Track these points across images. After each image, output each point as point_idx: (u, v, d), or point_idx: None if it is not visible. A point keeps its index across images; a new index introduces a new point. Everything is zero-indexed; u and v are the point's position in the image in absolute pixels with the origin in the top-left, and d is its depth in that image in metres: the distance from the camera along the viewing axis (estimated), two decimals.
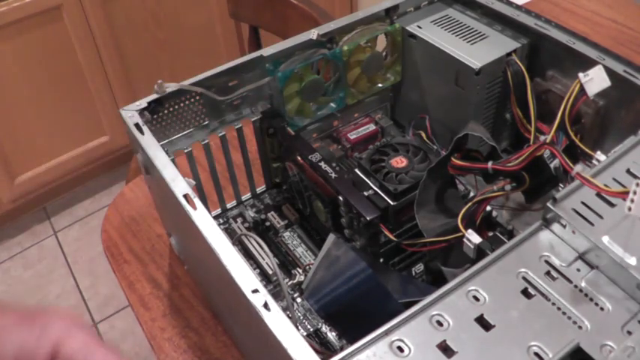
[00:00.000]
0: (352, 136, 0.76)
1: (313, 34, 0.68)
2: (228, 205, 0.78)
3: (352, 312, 0.58)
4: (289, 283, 0.67)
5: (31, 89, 1.64)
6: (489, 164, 0.56)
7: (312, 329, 0.64)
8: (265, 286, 0.64)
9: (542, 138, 0.60)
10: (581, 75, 0.57)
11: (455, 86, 0.69)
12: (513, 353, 0.40)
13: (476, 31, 0.70)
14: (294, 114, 0.71)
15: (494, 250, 0.46)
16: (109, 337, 1.60)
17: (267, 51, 0.66)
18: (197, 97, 0.65)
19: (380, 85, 0.76)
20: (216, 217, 0.76)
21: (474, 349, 0.40)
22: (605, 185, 0.45)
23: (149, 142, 0.57)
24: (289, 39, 0.68)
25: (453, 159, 0.58)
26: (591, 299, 0.43)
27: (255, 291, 0.43)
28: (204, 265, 0.59)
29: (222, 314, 0.66)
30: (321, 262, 0.62)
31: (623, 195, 0.42)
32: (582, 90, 0.58)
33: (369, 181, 0.63)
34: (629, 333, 0.40)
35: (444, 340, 0.40)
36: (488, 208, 0.59)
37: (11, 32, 1.52)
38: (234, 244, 0.48)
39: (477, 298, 0.43)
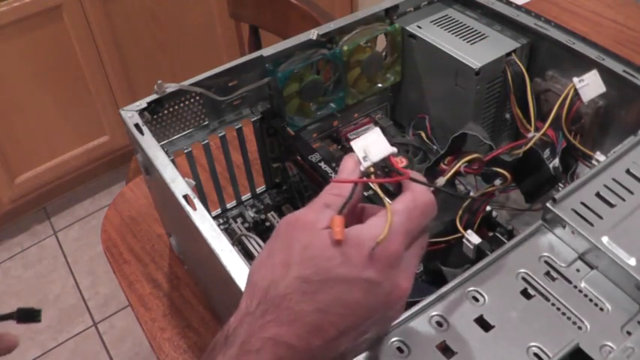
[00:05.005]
0: (352, 136, 0.76)
1: (313, 34, 0.68)
2: (228, 205, 0.78)
3: None
4: None
5: (31, 89, 1.64)
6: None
7: None
8: None
9: (529, 135, 0.60)
10: (575, 80, 0.57)
11: (455, 86, 0.69)
12: (513, 353, 0.40)
13: (476, 31, 0.70)
14: (294, 114, 0.71)
15: (494, 250, 0.46)
16: (109, 337, 1.60)
17: (267, 51, 0.66)
18: (197, 98, 0.65)
19: (380, 85, 0.76)
20: (216, 217, 0.76)
21: (473, 350, 0.40)
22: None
23: (149, 143, 0.57)
24: (289, 39, 0.68)
25: (441, 165, 0.58)
26: (591, 300, 0.43)
27: None
28: (204, 265, 0.59)
29: (222, 314, 0.66)
30: None
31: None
32: (577, 94, 0.58)
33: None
34: (629, 333, 0.40)
35: (444, 341, 0.40)
36: (488, 208, 0.59)
37: (11, 32, 1.52)
38: (234, 244, 0.48)
39: (476, 299, 0.43)
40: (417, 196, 0.37)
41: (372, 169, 0.39)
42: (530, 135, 0.60)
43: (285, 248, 0.35)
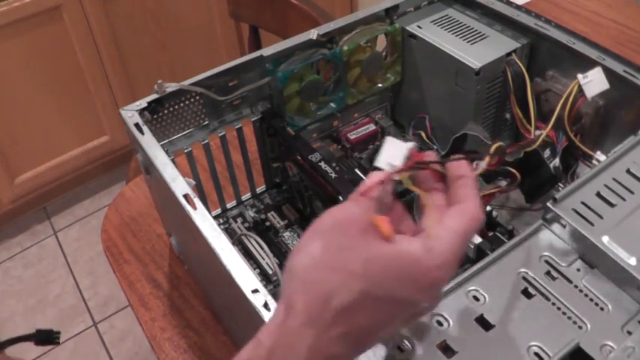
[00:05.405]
0: (352, 136, 0.76)
1: (313, 34, 0.68)
2: (228, 205, 0.78)
3: None
4: None
5: (31, 89, 1.63)
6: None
7: None
8: (265, 286, 0.64)
9: (537, 133, 0.60)
10: (580, 76, 0.58)
11: (455, 86, 0.69)
12: (513, 353, 0.40)
13: (476, 31, 0.70)
14: (294, 114, 0.71)
15: (494, 250, 0.46)
16: (109, 337, 1.60)
17: (267, 51, 0.66)
18: (197, 97, 0.65)
19: (380, 85, 0.76)
20: (216, 217, 0.76)
21: (474, 349, 0.40)
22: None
23: (149, 142, 0.57)
24: (289, 39, 0.68)
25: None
26: (591, 299, 0.43)
27: (255, 291, 0.43)
28: (204, 265, 0.59)
29: (222, 314, 0.66)
30: None
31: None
32: (581, 91, 0.58)
33: None
34: (629, 333, 0.40)
35: (444, 340, 0.40)
36: (488, 208, 0.59)
37: (11, 32, 1.52)
38: (234, 244, 0.48)
39: (476, 298, 0.43)
40: (475, 214, 0.36)
41: (405, 175, 0.38)
42: (537, 133, 0.60)
43: (345, 251, 0.33)
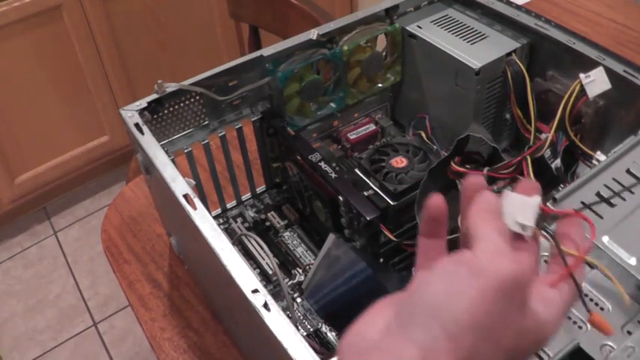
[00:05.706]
0: (352, 136, 0.76)
1: (313, 34, 0.68)
2: (228, 205, 0.78)
3: (352, 312, 0.58)
4: (289, 283, 0.67)
5: (31, 89, 1.64)
6: (485, 170, 0.56)
7: (312, 329, 0.64)
8: (265, 286, 0.64)
9: (542, 136, 0.60)
10: (582, 76, 0.58)
11: (455, 86, 0.69)
12: None
13: (476, 31, 0.70)
14: (294, 114, 0.71)
15: None
16: (109, 337, 1.60)
17: (267, 51, 0.66)
18: (197, 97, 0.65)
19: (380, 85, 0.76)
20: (216, 217, 0.76)
21: None
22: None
23: (149, 142, 0.57)
24: (289, 39, 0.68)
25: (452, 164, 0.58)
26: (591, 299, 0.43)
27: (255, 291, 0.43)
28: (204, 265, 0.59)
29: (222, 314, 0.66)
30: (321, 262, 0.62)
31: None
32: (583, 91, 0.58)
33: (369, 181, 0.63)
34: (629, 333, 0.40)
35: None
36: None
37: (11, 32, 1.52)
38: (234, 244, 0.48)
39: None
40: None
41: (537, 232, 0.34)
42: (542, 136, 0.60)
43: (504, 320, 0.29)
